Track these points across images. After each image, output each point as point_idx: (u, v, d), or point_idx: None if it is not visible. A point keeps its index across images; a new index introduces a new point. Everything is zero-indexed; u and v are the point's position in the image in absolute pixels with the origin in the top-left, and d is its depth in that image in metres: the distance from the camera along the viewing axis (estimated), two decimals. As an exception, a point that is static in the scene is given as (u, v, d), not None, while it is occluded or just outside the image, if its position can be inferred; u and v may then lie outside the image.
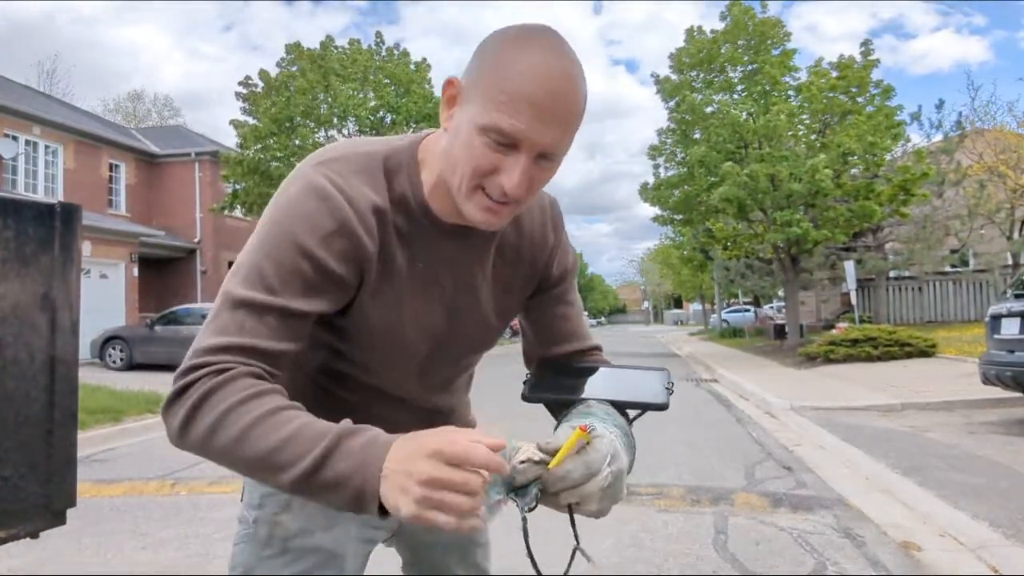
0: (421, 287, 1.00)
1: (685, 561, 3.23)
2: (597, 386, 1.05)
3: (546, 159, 0.87)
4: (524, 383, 1.08)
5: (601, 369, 1.11)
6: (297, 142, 18.05)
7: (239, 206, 18.90)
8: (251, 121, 18.66)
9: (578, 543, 0.86)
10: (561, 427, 0.92)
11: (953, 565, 3.10)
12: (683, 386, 11.53)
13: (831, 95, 15.87)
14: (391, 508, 0.74)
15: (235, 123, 18.68)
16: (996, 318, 6.90)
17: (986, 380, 6.85)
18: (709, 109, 16.88)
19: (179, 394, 0.81)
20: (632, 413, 1.03)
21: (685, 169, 17.75)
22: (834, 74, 16.15)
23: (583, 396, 0.99)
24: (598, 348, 1.19)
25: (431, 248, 0.99)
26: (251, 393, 0.80)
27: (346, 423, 0.80)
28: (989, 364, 6.75)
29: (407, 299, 0.98)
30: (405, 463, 0.73)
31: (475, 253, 1.03)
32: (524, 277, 1.11)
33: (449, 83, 0.90)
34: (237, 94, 18.80)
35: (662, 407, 1.00)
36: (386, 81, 19.11)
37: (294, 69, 18.77)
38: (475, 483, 0.72)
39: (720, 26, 16.99)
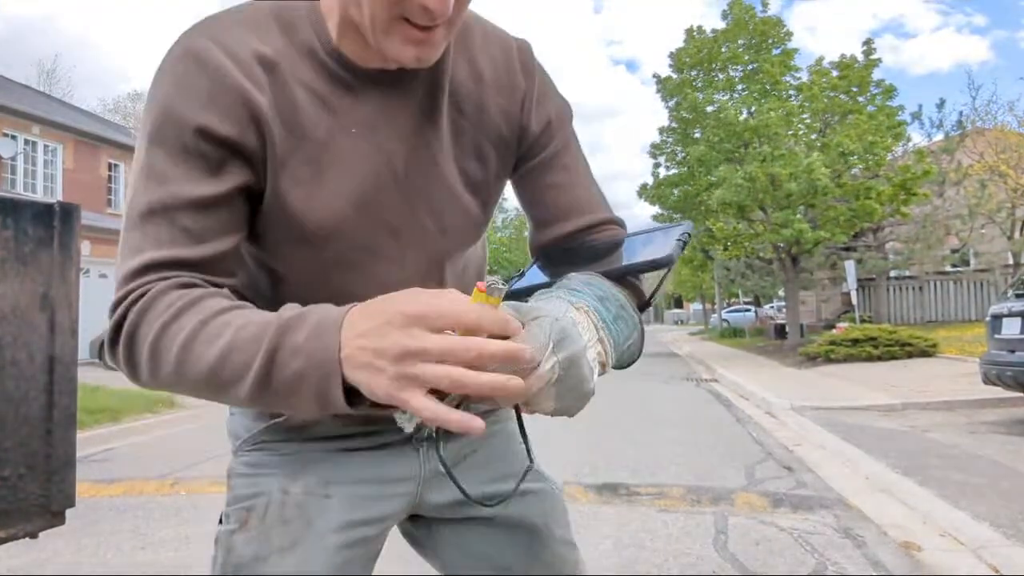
0: (359, 158, 0.79)
1: (685, 561, 3.23)
2: (596, 264, 0.82)
3: None
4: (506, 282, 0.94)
5: (609, 245, 0.87)
6: None
7: None
8: None
9: (531, 459, 0.72)
10: None
11: (953, 565, 3.09)
12: (683, 386, 11.53)
13: (832, 94, 15.87)
14: (367, 394, 0.62)
15: None
16: (997, 318, 6.90)
17: (987, 380, 6.85)
18: (710, 108, 16.88)
19: (114, 335, 0.70)
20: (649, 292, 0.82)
21: (685, 168, 17.76)
22: (835, 73, 16.15)
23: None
24: (613, 222, 0.92)
25: (359, 105, 0.78)
26: (177, 308, 0.67)
27: (287, 311, 0.66)
28: (990, 364, 6.75)
29: (338, 174, 0.78)
30: (373, 337, 0.60)
31: (419, 105, 0.81)
32: (496, 137, 0.87)
33: None
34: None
35: (666, 262, 0.76)
36: None
37: None
38: (475, 348, 0.58)
39: (721, 25, 17.01)
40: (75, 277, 1.23)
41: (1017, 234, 20.25)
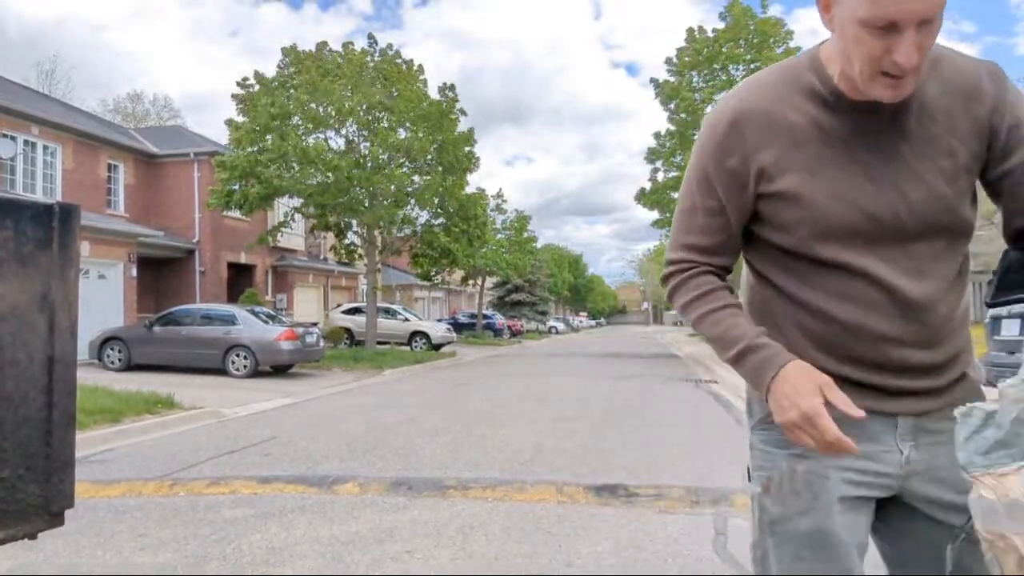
0: (840, 164, 1.11)
1: (684, 562, 3.22)
2: None
3: (927, 23, 0.99)
4: (987, 283, 1.15)
5: None
6: (291, 144, 17.81)
7: (235, 207, 18.65)
8: (243, 120, 18.44)
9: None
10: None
11: (953, 566, 3.09)
12: (683, 387, 11.53)
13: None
14: (772, 410, 1.09)
15: (231, 123, 18.56)
16: (996, 319, 6.90)
17: (986, 381, 6.85)
18: (709, 108, 16.89)
19: (665, 279, 1.27)
20: None
21: (684, 171, 17.73)
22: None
23: None
24: None
25: (844, 125, 1.12)
26: (702, 292, 1.20)
27: (753, 338, 1.12)
28: (989, 365, 6.75)
29: (821, 173, 1.11)
30: (791, 395, 1.05)
31: (891, 123, 1.11)
32: (965, 134, 1.12)
33: None
34: (233, 96, 18.70)
35: None
36: (382, 81, 19.01)
37: (291, 71, 18.70)
38: (829, 445, 1.02)
39: (720, 25, 17.01)
40: (74, 278, 1.23)
41: (1016, 235, 20.20)
